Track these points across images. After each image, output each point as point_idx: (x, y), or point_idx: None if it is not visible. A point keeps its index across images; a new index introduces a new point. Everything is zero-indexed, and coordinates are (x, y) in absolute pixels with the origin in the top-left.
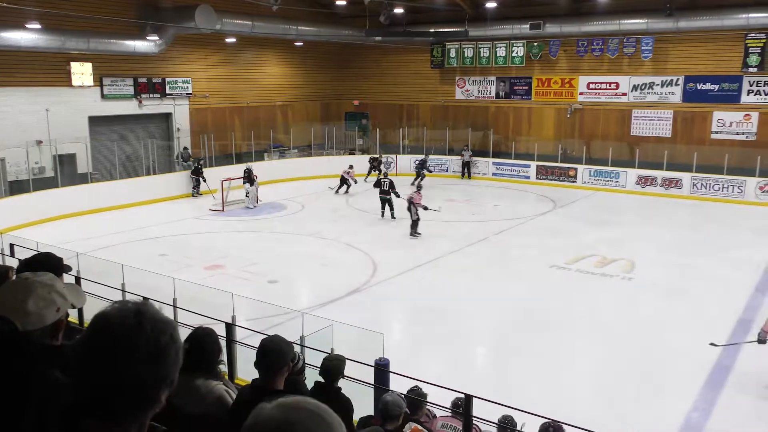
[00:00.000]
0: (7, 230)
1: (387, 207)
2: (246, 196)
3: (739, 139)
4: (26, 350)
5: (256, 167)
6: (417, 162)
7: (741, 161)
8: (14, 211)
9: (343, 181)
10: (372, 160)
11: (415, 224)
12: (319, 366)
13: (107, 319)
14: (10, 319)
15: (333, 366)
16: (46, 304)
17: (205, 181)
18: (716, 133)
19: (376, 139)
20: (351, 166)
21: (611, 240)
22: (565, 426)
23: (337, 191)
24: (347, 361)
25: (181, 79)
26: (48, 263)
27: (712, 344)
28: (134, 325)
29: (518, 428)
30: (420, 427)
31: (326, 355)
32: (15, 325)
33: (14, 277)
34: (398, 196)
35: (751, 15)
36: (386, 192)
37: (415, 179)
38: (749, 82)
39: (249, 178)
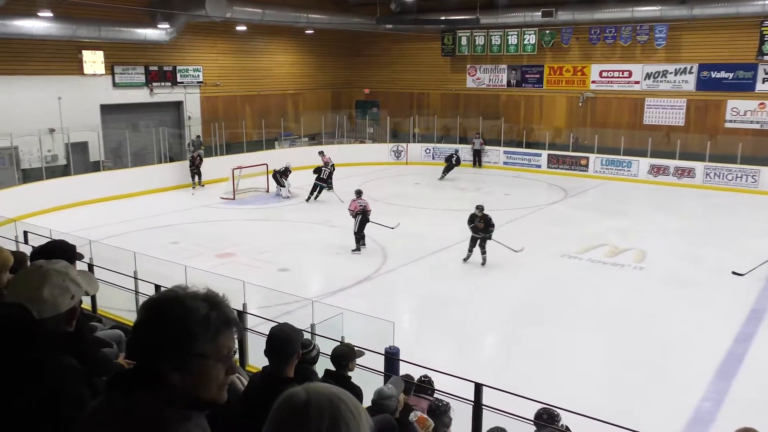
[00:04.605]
0: (20, 218)
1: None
2: (282, 187)
3: (753, 128)
4: (41, 337)
5: (267, 156)
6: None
7: (755, 150)
8: (28, 198)
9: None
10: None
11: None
12: (330, 354)
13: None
14: (26, 307)
15: (343, 353)
16: (60, 291)
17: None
18: (730, 122)
19: (386, 128)
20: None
21: (622, 229)
22: (573, 415)
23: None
24: (358, 349)
25: (192, 67)
26: (61, 250)
27: (734, 273)
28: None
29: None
30: (425, 416)
31: (337, 343)
32: (31, 313)
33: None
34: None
35: (767, 2)
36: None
37: None
38: (765, 70)
39: (286, 174)
